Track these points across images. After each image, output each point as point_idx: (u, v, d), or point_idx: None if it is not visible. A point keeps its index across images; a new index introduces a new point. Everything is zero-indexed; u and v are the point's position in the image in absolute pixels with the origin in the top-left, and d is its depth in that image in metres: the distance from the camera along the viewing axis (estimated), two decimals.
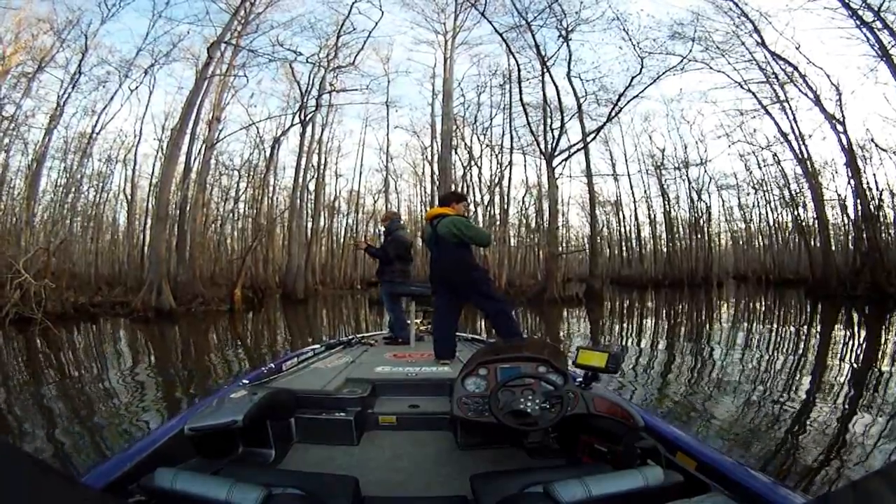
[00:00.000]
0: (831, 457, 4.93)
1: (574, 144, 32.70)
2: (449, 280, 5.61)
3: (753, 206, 51.86)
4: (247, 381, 3.78)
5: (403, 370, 4.60)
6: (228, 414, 2.83)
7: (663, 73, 30.71)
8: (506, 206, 40.05)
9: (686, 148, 49.03)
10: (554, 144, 30.79)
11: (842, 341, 13.11)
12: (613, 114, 31.27)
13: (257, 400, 3.04)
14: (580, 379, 3.18)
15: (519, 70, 31.03)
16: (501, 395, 2.86)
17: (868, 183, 29.48)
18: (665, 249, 51.85)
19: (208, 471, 2.12)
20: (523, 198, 46.76)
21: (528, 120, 32.66)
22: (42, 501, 0.89)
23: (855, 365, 9.87)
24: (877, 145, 30.23)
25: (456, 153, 36.26)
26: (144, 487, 1.91)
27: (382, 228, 7.92)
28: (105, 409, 7.22)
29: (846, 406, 6.78)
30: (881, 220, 28.59)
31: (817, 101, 28.96)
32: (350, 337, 6.67)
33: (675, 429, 2.98)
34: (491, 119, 39.97)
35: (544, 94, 32.05)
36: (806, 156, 31.99)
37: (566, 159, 32.86)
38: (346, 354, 5.47)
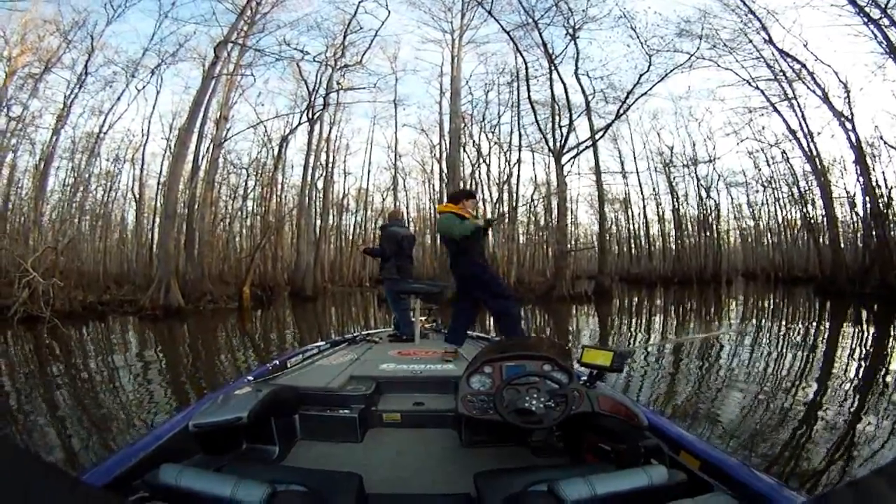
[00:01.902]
0: (835, 457, 4.90)
1: (582, 142, 32.65)
2: (455, 273, 5.76)
3: (762, 203, 51.73)
4: (251, 378, 3.81)
5: (408, 367, 4.60)
6: (233, 411, 2.83)
7: (671, 71, 30.77)
8: (514, 204, 39.82)
9: (694, 145, 48.92)
10: (562, 142, 30.89)
11: (850, 339, 13.04)
12: (622, 111, 31.35)
13: (262, 397, 3.04)
14: (585, 377, 3.17)
15: (526, 68, 31.21)
16: (506, 393, 2.85)
17: (877, 180, 29.35)
18: (674, 247, 51.69)
19: (212, 467, 2.12)
20: (532, 195, 46.73)
21: (536, 118, 32.67)
22: (42, 501, 0.89)
23: (863, 363, 9.83)
24: (886, 142, 30.04)
25: (464, 151, 36.26)
26: (149, 484, 1.91)
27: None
28: (113, 406, 7.28)
29: (853, 405, 6.76)
30: (890, 217, 28.42)
31: (825, 99, 28.97)
32: (354, 334, 6.69)
33: (679, 428, 2.97)
34: (499, 117, 39.87)
35: (552, 92, 32.12)
36: (815, 153, 31.94)
37: (575, 157, 32.85)
38: (351, 352, 5.47)
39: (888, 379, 8.28)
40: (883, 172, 30.67)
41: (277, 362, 4.60)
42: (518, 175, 39.55)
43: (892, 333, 14.13)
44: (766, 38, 30.52)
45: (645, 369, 9.26)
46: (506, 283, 5.60)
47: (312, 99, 33.22)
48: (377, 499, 2.38)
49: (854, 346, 12.00)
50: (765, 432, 5.70)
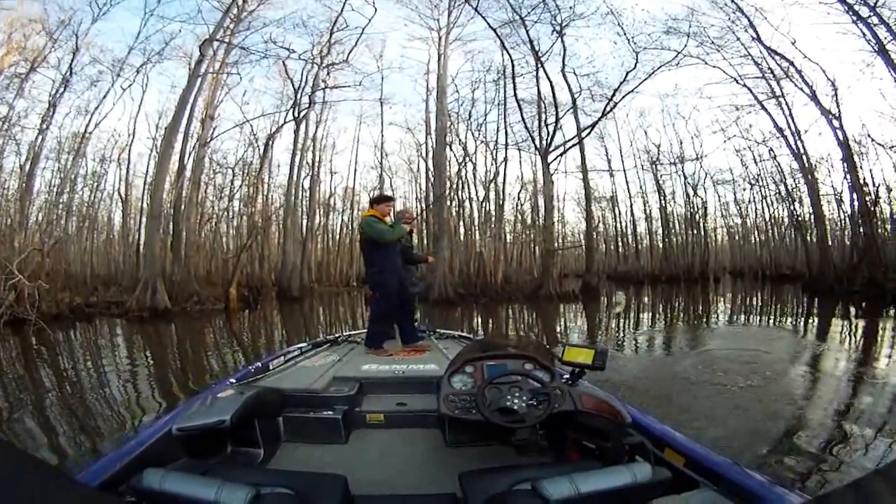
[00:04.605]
0: (818, 460, 4.89)
1: (569, 140, 32.82)
2: (395, 276, 6.16)
3: (749, 201, 51.94)
4: (234, 381, 3.78)
5: (390, 368, 4.60)
6: (216, 414, 2.84)
7: (658, 68, 30.89)
8: (501, 203, 39.76)
9: (682, 143, 49.10)
10: (549, 140, 30.98)
11: (837, 336, 13.11)
12: (608, 109, 31.44)
13: (245, 399, 3.05)
14: (567, 376, 3.17)
15: (513, 65, 31.09)
16: (488, 392, 2.87)
17: (864, 178, 29.47)
18: (661, 245, 51.92)
19: (197, 471, 2.12)
20: (519, 193, 46.71)
21: (522, 116, 32.65)
22: (40, 498, 0.89)
23: (850, 360, 9.84)
24: (873, 140, 30.22)
25: (451, 149, 36.15)
26: (134, 488, 1.90)
27: None
28: (96, 406, 7.24)
29: (838, 404, 6.76)
30: (877, 215, 28.64)
31: (813, 97, 29.12)
32: (336, 335, 6.69)
33: (663, 425, 2.99)
34: (485, 115, 39.65)
35: (538, 90, 32.22)
36: (802, 151, 32.05)
37: (561, 155, 33.00)
38: (333, 353, 5.50)
39: (875, 375, 8.31)
40: (870, 170, 30.90)
41: (260, 364, 4.60)
42: (504, 174, 39.58)
43: (878, 330, 14.16)
44: (755, 35, 30.70)
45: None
46: None
47: (298, 97, 33.37)
48: (362, 500, 2.37)
49: (841, 342, 12.07)
50: (742, 432, 5.67)
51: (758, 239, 53.53)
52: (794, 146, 32.42)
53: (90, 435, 6.18)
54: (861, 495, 1.02)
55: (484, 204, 39.35)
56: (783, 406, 6.53)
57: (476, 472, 2.37)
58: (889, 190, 30.57)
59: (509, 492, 2.05)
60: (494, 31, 30.60)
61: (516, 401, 2.75)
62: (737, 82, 34.06)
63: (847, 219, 33.12)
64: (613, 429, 2.70)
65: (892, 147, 29.04)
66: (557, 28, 29.72)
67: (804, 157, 32.16)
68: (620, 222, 56.78)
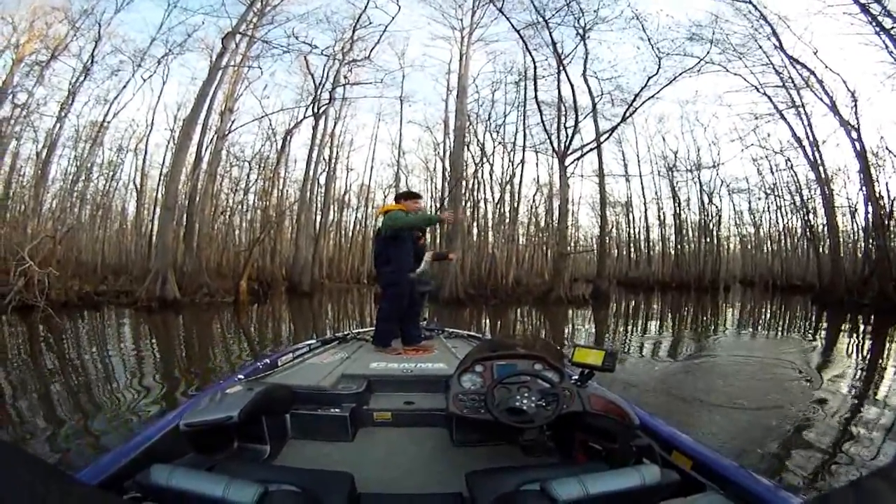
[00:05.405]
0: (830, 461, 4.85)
1: (587, 144, 32.68)
2: (406, 276, 6.07)
3: (763, 210, 51.81)
4: (242, 377, 3.82)
5: (399, 366, 4.62)
6: (224, 410, 2.83)
7: (680, 75, 30.60)
8: (516, 205, 39.78)
9: (699, 150, 48.89)
10: (567, 143, 30.75)
11: (845, 350, 13.05)
12: (628, 114, 31.21)
13: (253, 396, 3.04)
14: (576, 377, 3.16)
15: (535, 67, 30.86)
16: (497, 392, 2.88)
17: (880, 191, 29.30)
18: (673, 252, 51.79)
19: (204, 467, 2.12)
20: (534, 196, 46.61)
21: (542, 118, 32.33)
22: (40, 499, 0.88)
23: (857, 375, 9.77)
24: (890, 152, 29.95)
25: (468, 149, 36.10)
26: (140, 484, 1.89)
27: None
28: (92, 399, 7.26)
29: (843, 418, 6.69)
30: (891, 227, 28.42)
31: (833, 107, 28.95)
32: (345, 332, 6.68)
33: (671, 428, 2.99)
34: (504, 116, 39.57)
35: (559, 93, 32.02)
36: (819, 161, 31.96)
37: (579, 158, 32.92)
38: (342, 350, 5.53)
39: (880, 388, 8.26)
40: (886, 182, 30.65)
41: (268, 360, 4.62)
42: (521, 175, 39.52)
43: (887, 345, 14.07)
44: (777, 44, 30.57)
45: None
46: None
47: (318, 93, 33.54)
48: (369, 498, 2.36)
49: (848, 356, 12.01)
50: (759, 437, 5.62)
51: (770, 249, 53.39)
52: (811, 156, 32.34)
53: (85, 414, 6.29)
54: (861, 495, 1.02)
55: (499, 205, 39.33)
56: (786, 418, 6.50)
57: (483, 471, 2.35)
58: None
59: (517, 492, 2.04)
60: (518, 32, 30.40)
61: (525, 401, 2.76)
62: (757, 90, 34.13)
63: (860, 231, 33.07)
64: (621, 431, 2.70)
65: None
66: (581, 31, 29.56)
67: (821, 167, 32.08)
68: (634, 228, 56.80)
